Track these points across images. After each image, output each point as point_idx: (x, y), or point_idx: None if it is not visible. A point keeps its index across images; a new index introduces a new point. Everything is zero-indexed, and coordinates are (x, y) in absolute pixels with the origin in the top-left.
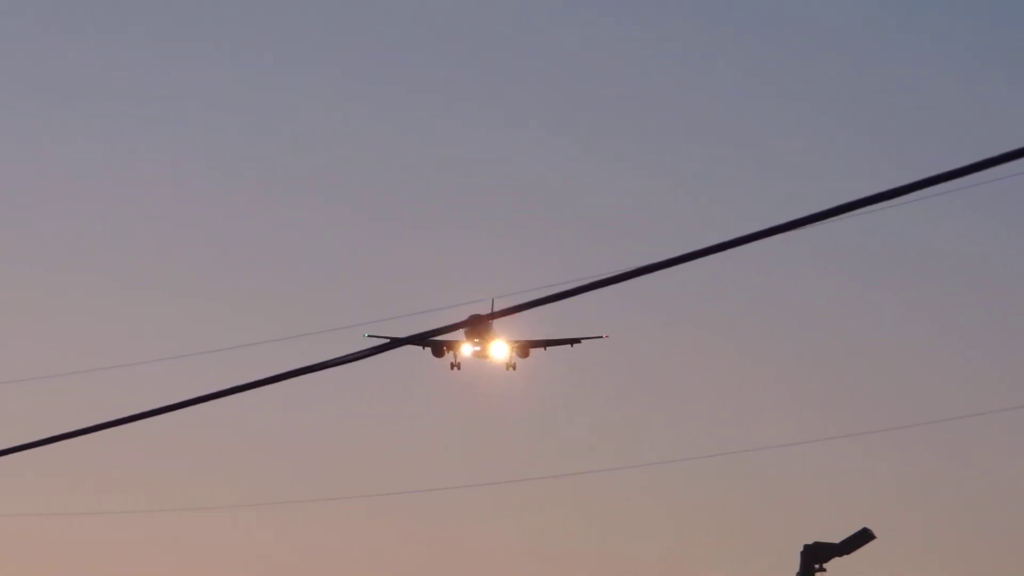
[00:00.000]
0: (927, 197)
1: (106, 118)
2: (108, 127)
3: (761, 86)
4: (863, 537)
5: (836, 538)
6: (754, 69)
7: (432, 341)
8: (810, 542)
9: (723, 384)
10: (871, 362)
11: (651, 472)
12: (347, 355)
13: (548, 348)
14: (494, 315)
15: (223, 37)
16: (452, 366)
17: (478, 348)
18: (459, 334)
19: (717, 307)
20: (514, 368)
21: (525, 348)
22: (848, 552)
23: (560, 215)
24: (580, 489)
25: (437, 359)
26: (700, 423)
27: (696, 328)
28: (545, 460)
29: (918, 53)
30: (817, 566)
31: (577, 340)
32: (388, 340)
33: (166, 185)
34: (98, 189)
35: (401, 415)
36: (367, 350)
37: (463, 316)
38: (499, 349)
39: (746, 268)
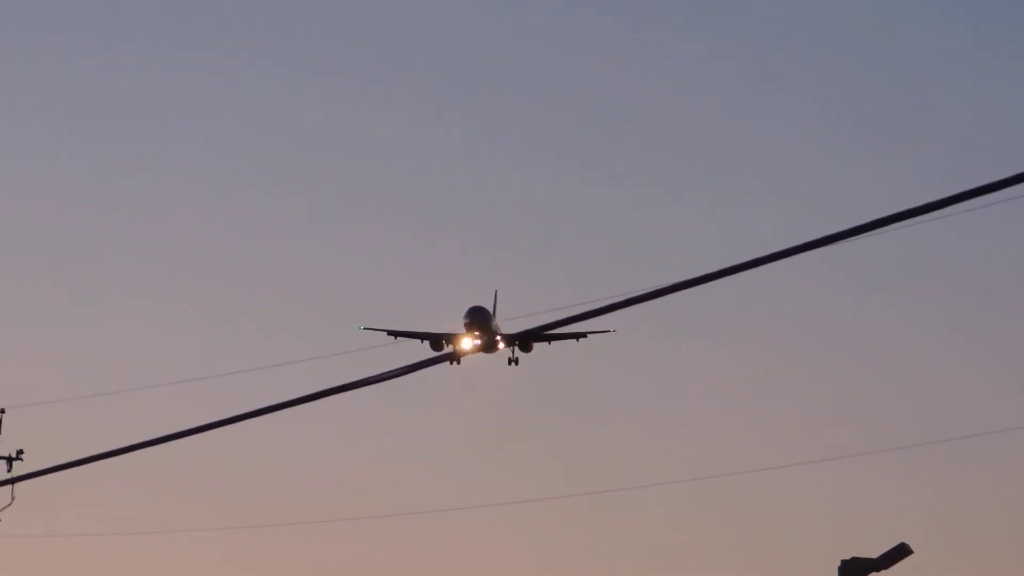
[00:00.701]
0: (957, 213)
1: (136, 143)
2: (142, 153)
3: (784, 103)
4: (900, 552)
5: (873, 553)
6: (775, 86)
7: (431, 334)
8: (847, 557)
9: (754, 401)
10: (907, 378)
11: (683, 488)
12: (387, 372)
13: (553, 342)
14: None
15: (251, 59)
16: (451, 360)
17: (478, 342)
18: (459, 327)
19: (744, 324)
20: (516, 363)
21: (528, 342)
22: (886, 567)
23: (570, 235)
24: (607, 504)
25: (435, 352)
26: (732, 440)
27: (718, 345)
28: (559, 476)
29: (946, 71)
30: None
31: (583, 335)
32: (385, 332)
33: (193, 209)
34: (124, 212)
35: (407, 427)
36: (405, 367)
37: (463, 309)
38: (501, 343)
39: (773, 284)
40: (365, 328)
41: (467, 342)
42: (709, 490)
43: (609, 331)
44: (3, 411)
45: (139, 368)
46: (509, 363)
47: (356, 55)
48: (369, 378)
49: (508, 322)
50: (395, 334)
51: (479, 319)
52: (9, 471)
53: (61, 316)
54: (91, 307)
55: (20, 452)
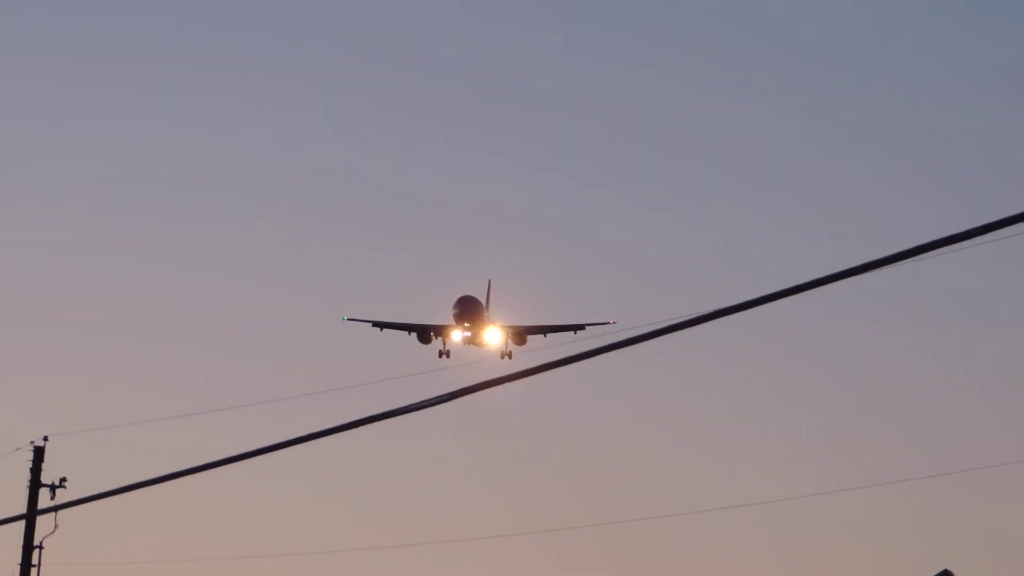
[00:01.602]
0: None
1: (144, 159)
2: (160, 170)
3: (795, 138)
4: None
5: None
6: (785, 122)
7: (418, 326)
8: None
9: (791, 428)
10: (946, 406)
11: (724, 515)
12: (423, 401)
13: (548, 335)
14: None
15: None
16: (441, 354)
17: (469, 334)
18: (448, 318)
19: (767, 356)
20: (510, 357)
21: (522, 334)
22: None
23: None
24: (608, 509)
25: (423, 346)
26: (777, 464)
27: (735, 378)
28: (558, 483)
29: (958, 109)
30: None
31: (581, 326)
32: (369, 324)
33: (213, 240)
34: (162, 241)
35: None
36: (443, 396)
37: (452, 298)
38: (493, 335)
39: (803, 315)
40: (348, 319)
41: (457, 334)
42: (743, 516)
43: (609, 322)
44: (46, 439)
45: (182, 395)
46: (502, 357)
47: (342, 50)
48: (405, 407)
49: (500, 314)
50: (380, 325)
51: (470, 309)
52: (52, 499)
53: (104, 343)
54: (134, 334)
55: (63, 480)
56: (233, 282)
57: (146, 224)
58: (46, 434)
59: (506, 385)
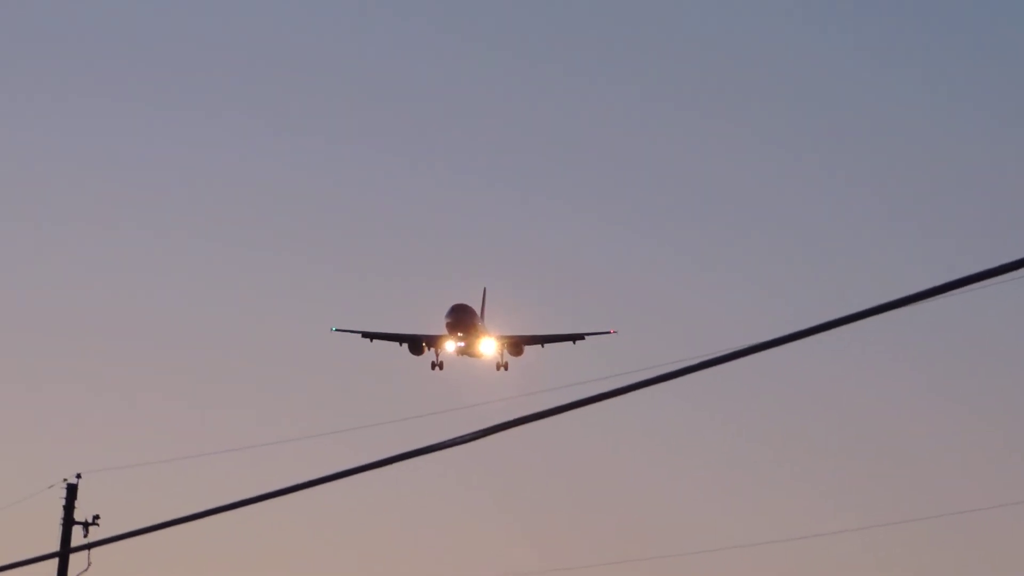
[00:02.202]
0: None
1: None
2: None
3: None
4: None
5: None
6: (797, 161)
7: (409, 336)
8: None
9: (798, 467)
10: (981, 441)
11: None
12: (464, 435)
13: (546, 345)
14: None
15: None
16: (434, 366)
17: (462, 344)
18: (441, 328)
19: (774, 400)
20: (506, 368)
21: (519, 344)
22: None
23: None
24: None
25: (415, 357)
26: (783, 504)
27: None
28: (558, 501)
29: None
30: None
31: (581, 336)
32: (359, 335)
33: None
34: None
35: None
36: (485, 429)
37: (445, 307)
38: (488, 345)
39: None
40: (337, 329)
41: (450, 344)
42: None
43: (610, 332)
44: (79, 476)
45: (215, 431)
46: (498, 368)
47: (328, 66)
48: (442, 443)
49: (496, 323)
50: (370, 336)
51: (463, 319)
52: (85, 536)
53: (136, 380)
54: (166, 371)
55: (96, 517)
56: (243, 305)
57: (162, 259)
58: (79, 471)
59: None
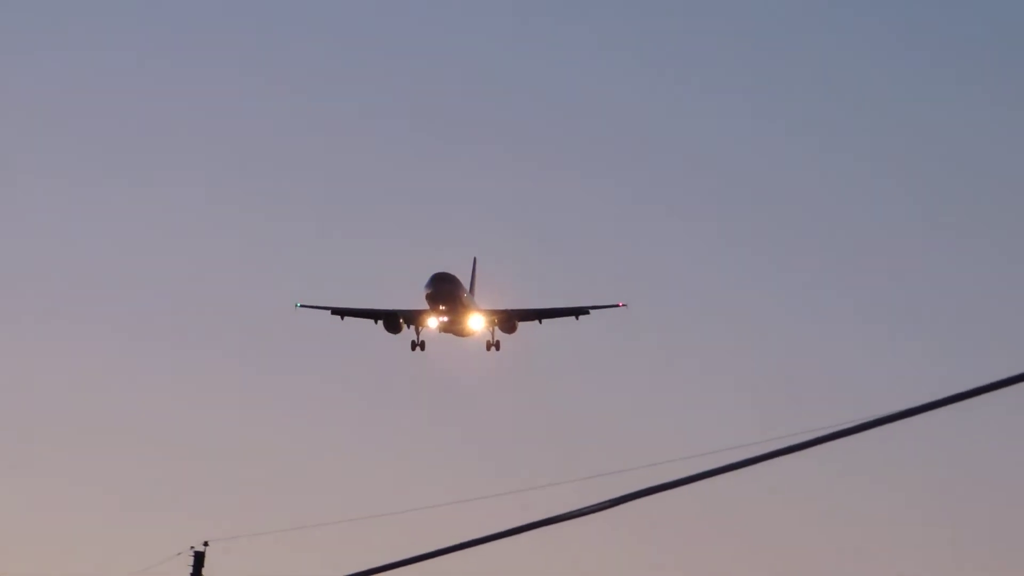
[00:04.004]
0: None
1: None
2: None
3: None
4: None
5: None
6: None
7: (384, 312)
8: None
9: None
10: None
11: None
12: (583, 508)
13: (544, 321)
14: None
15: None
16: (414, 345)
17: (445, 319)
18: (421, 302)
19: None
20: (497, 348)
21: (512, 320)
22: None
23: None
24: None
25: (392, 335)
26: None
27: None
28: (555, 498)
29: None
30: None
31: (584, 310)
32: (329, 311)
33: None
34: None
35: None
36: (604, 502)
37: (425, 278)
38: (476, 321)
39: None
40: (301, 305)
41: (433, 321)
42: None
43: (618, 305)
44: (206, 544)
45: (340, 499)
46: (488, 348)
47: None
48: (567, 513)
49: (485, 296)
50: (340, 312)
51: (445, 290)
52: None
53: (264, 446)
54: (301, 439)
55: None
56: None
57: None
58: (206, 539)
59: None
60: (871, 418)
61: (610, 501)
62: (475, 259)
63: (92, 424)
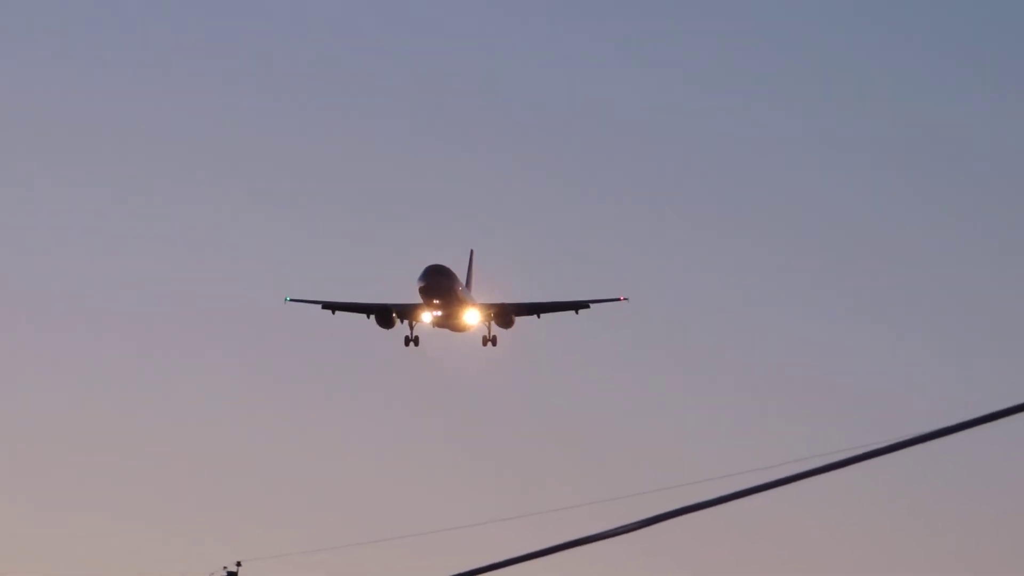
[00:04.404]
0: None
1: None
2: None
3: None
4: None
5: None
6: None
7: (377, 306)
8: None
9: None
10: None
11: None
12: (614, 528)
13: (543, 315)
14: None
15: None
16: (408, 341)
17: (439, 313)
18: (415, 295)
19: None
20: (494, 343)
21: (508, 314)
22: None
23: None
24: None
25: (385, 330)
26: None
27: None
28: (552, 496)
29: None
30: None
31: (585, 304)
32: (320, 305)
33: None
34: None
35: None
36: (635, 523)
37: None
38: (471, 316)
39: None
40: (291, 300)
41: (426, 315)
42: None
43: (619, 299)
44: (239, 564)
45: (370, 520)
46: (484, 344)
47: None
48: (595, 535)
49: (482, 289)
50: (331, 307)
51: (440, 283)
52: None
53: (294, 467)
54: (324, 461)
55: None
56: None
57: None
58: (239, 559)
59: None
60: (903, 437)
61: (637, 523)
62: (472, 251)
63: (105, 442)
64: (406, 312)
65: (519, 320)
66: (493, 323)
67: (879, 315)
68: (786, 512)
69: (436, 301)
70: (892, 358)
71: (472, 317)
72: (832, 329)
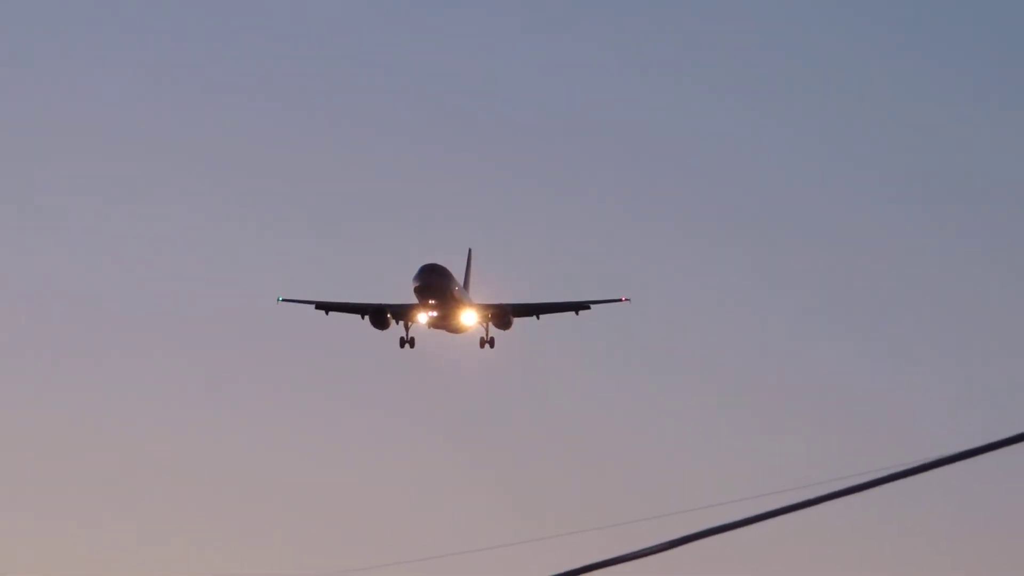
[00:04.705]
0: None
1: None
2: None
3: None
4: None
5: None
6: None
7: (371, 306)
8: None
9: None
10: None
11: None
12: (647, 547)
13: (541, 316)
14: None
15: None
16: (403, 342)
17: (435, 314)
18: (410, 296)
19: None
20: (491, 345)
21: (506, 315)
22: None
23: None
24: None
25: (380, 331)
26: None
27: None
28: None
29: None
30: None
31: (585, 305)
32: (313, 305)
33: None
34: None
35: None
36: (667, 542)
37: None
38: (469, 317)
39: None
40: (284, 300)
41: (422, 315)
42: None
43: (621, 300)
44: None
45: (362, 525)
46: (482, 346)
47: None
48: (626, 555)
49: (479, 290)
50: (324, 307)
51: (436, 283)
52: None
53: (285, 471)
54: (316, 466)
55: None
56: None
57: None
58: (230, 564)
59: None
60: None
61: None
62: (470, 250)
63: (95, 442)
64: (401, 312)
65: (518, 321)
66: (491, 324)
67: (879, 315)
68: (788, 532)
69: (432, 301)
70: (892, 359)
71: (469, 318)
72: (833, 329)
